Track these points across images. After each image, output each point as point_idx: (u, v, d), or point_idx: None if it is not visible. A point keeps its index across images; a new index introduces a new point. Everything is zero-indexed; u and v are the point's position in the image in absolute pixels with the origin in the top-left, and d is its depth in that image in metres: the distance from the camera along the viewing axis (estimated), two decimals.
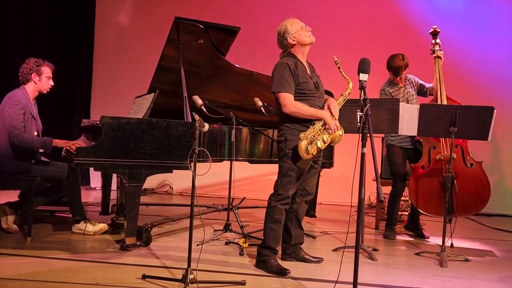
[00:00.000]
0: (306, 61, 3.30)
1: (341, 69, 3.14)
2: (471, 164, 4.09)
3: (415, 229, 4.47)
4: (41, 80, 3.89)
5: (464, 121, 3.56)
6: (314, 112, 3.14)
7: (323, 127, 3.12)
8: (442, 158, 4.08)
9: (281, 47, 3.30)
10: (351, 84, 3.23)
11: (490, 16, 6.29)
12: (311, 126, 3.12)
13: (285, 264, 3.22)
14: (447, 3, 6.40)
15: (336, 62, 3.15)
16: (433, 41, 4.32)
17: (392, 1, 6.60)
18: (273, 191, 3.22)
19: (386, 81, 4.40)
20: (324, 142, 3.11)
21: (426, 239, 4.35)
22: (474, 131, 3.62)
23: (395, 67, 4.24)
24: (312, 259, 3.38)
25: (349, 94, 3.27)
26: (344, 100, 3.27)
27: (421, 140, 4.21)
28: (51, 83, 3.97)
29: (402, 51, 4.45)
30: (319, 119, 3.13)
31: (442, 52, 4.29)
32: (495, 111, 3.56)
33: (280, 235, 3.27)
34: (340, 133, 3.16)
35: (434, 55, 4.29)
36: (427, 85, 4.43)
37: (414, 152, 4.36)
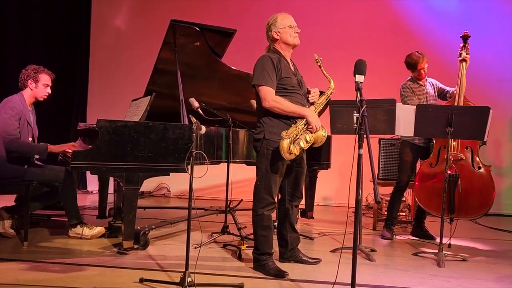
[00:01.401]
0: (290, 59, 3.25)
1: (322, 68, 3.12)
2: (479, 167, 4.09)
3: (422, 232, 4.46)
4: (37, 87, 3.88)
5: (461, 121, 3.57)
6: (295, 109, 3.05)
7: (305, 126, 3.05)
8: (450, 157, 4.08)
9: (267, 39, 3.25)
10: (332, 84, 3.20)
11: (485, 17, 6.32)
12: (293, 124, 3.04)
13: (283, 266, 3.22)
14: (442, 4, 6.43)
15: (317, 61, 3.11)
16: (462, 45, 4.29)
17: (387, 2, 6.62)
18: (254, 195, 3.15)
19: (408, 78, 4.42)
20: (307, 142, 3.03)
21: (433, 240, 4.34)
22: (471, 131, 3.62)
23: (412, 62, 4.29)
24: (310, 260, 3.37)
25: (331, 93, 3.23)
26: (326, 100, 3.22)
27: (434, 138, 4.22)
28: (48, 91, 3.95)
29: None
30: (301, 117, 3.05)
31: (468, 56, 4.25)
32: (491, 111, 3.56)
33: (272, 237, 3.22)
34: (323, 133, 3.11)
35: (460, 58, 4.27)
36: (449, 89, 4.44)
37: (426, 151, 4.36)
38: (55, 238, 3.89)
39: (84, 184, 6.90)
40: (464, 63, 4.25)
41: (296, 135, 2.99)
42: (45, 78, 3.92)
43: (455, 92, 4.30)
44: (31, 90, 3.88)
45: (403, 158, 4.41)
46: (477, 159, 4.10)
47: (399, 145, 4.52)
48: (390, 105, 3.67)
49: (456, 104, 4.12)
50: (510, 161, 6.27)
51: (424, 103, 4.27)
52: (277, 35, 3.16)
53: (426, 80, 4.41)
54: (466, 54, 4.25)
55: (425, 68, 4.32)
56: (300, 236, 3.49)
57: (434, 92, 4.43)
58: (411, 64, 4.32)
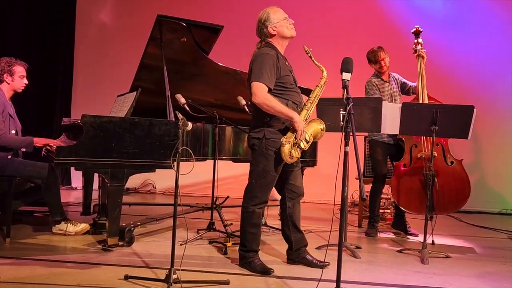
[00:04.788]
0: (283, 55, 3.18)
1: (313, 58, 3.07)
2: (452, 162, 4.15)
3: (403, 227, 4.51)
4: (14, 80, 3.84)
5: (445, 119, 3.61)
6: (283, 110, 2.95)
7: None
8: (423, 156, 4.13)
9: (259, 35, 3.14)
10: (325, 73, 3.13)
11: (469, 18, 6.41)
12: (290, 128, 2.99)
13: (267, 263, 3.21)
14: (427, 4, 6.49)
15: (307, 52, 3.05)
16: (415, 40, 4.38)
17: (373, 2, 6.65)
18: (246, 193, 3.11)
19: (372, 75, 4.45)
20: (307, 142, 3.03)
21: (415, 236, 4.39)
22: (455, 129, 3.67)
23: (372, 55, 4.34)
24: (318, 263, 3.20)
25: (324, 83, 3.15)
26: (321, 91, 3.16)
27: (403, 138, 4.26)
28: (25, 81, 3.92)
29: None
30: (289, 118, 2.97)
31: (424, 51, 4.33)
32: (475, 110, 3.61)
33: (260, 235, 3.20)
34: (321, 127, 3.11)
35: (416, 54, 4.35)
36: (410, 83, 4.49)
37: (395, 148, 4.40)
38: (38, 235, 3.84)
39: (68, 180, 6.82)
40: (421, 58, 4.31)
41: (295, 138, 2.97)
42: (20, 70, 3.87)
43: (416, 87, 4.34)
44: (8, 84, 3.83)
45: (374, 157, 4.46)
46: (449, 154, 4.16)
47: (368, 145, 4.55)
48: (376, 103, 3.70)
49: (420, 101, 4.17)
50: (474, 159, 6.35)
51: (389, 100, 4.31)
52: (274, 30, 3.07)
53: (389, 75, 4.45)
54: (421, 49, 4.31)
55: (385, 60, 4.35)
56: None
57: (398, 88, 4.46)
58: (371, 58, 4.37)
